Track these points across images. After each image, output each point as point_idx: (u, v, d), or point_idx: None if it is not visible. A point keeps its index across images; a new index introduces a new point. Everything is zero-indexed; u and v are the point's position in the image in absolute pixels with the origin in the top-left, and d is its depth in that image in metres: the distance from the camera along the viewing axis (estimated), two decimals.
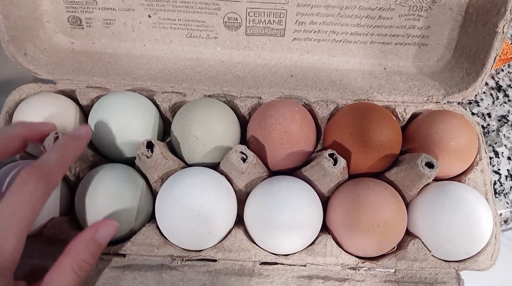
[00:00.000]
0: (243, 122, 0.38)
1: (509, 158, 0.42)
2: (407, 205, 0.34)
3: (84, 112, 0.38)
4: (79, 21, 0.41)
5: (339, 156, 0.31)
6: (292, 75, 0.41)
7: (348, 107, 0.37)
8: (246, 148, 0.32)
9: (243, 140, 0.37)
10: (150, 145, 0.31)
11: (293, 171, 0.36)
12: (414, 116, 0.38)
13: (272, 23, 0.41)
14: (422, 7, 0.39)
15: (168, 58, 0.42)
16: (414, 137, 0.36)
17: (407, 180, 0.33)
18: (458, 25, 0.40)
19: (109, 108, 0.34)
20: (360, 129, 0.34)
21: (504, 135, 0.43)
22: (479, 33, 0.38)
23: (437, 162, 0.30)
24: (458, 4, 0.39)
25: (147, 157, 0.31)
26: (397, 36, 0.41)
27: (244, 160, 0.32)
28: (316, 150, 0.38)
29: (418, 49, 0.42)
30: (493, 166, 0.42)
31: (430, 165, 0.31)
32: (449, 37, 0.41)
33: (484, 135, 0.44)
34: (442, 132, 0.34)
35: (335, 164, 0.31)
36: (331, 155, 0.31)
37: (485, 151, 0.36)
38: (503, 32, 0.36)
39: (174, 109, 0.38)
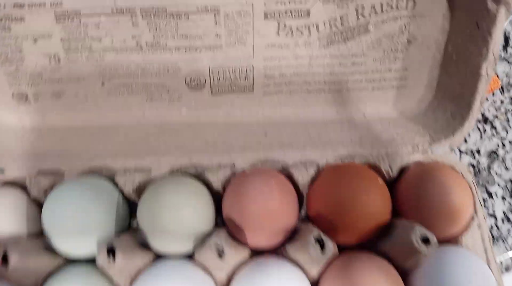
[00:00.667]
0: (218, 197, 0.34)
1: (503, 198, 0.40)
2: (404, 273, 0.31)
3: (37, 203, 0.34)
4: (25, 97, 0.37)
5: (327, 240, 0.28)
6: (266, 134, 0.38)
7: (329, 172, 0.34)
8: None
9: (218, 218, 0.34)
10: (111, 250, 0.28)
11: (276, 249, 0.33)
12: (401, 169, 0.36)
13: (239, 79, 0.38)
14: (398, 49, 0.37)
15: (128, 127, 0.38)
16: (404, 197, 0.34)
17: (401, 254, 0.30)
18: (438, 64, 0.38)
19: (65, 203, 0.31)
20: (345, 199, 0.31)
21: (496, 172, 0.41)
22: (461, 74, 0.35)
23: (433, 237, 0.28)
24: (436, 42, 0.37)
25: (110, 263, 0.28)
26: (374, 81, 0.39)
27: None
28: (300, 218, 0.35)
29: (397, 91, 0.39)
30: (487, 208, 0.40)
31: (426, 241, 0.28)
32: (429, 77, 0.38)
33: (475, 174, 0.41)
34: (433, 192, 0.32)
35: (322, 249, 0.28)
36: (317, 240, 0.28)
37: (480, 203, 0.34)
38: (487, 75, 0.33)
39: (139, 190, 0.34)
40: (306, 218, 0.35)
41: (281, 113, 0.40)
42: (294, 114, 0.40)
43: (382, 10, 0.35)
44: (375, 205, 0.31)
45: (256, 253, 0.33)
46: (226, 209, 0.32)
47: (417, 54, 0.37)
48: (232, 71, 0.37)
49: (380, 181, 0.33)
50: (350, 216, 0.31)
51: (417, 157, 0.36)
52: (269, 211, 0.31)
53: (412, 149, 0.37)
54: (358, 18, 0.35)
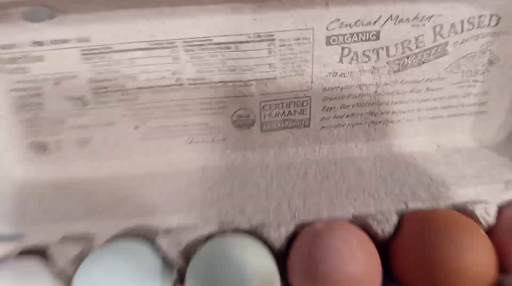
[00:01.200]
0: (279, 255, 0.29)
1: None
2: None
3: (63, 276, 0.29)
4: (44, 147, 0.32)
5: None
6: (327, 176, 0.33)
7: (417, 222, 0.28)
8: None
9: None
10: None
11: None
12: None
13: (293, 113, 0.32)
14: (478, 70, 0.32)
15: (165, 173, 0.33)
16: (502, 246, 0.28)
17: None
18: None
19: (99, 278, 0.25)
20: (445, 258, 0.26)
21: None
22: None
23: None
24: None
25: None
26: (450, 107, 0.33)
27: None
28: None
29: (476, 118, 0.34)
30: None
31: None
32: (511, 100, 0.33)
33: None
34: None
35: None
36: None
37: None
38: None
39: (186, 253, 0.29)
40: (388, 279, 0.29)
41: (341, 150, 0.34)
42: (356, 147, 0.34)
43: (462, 29, 0.30)
44: (483, 264, 0.26)
45: None
46: (294, 274, 0.27)
47: (499, 75, 0.32)
48: (287, 105, 0.32)
49: (482, 231, 0.27)
50: (453, 280, 0.25)
51: (510, 195, 0.31)
52: (351, 278, 0.25)
53: (504, 187, 0.31)
54: (435, 39, 0.30)
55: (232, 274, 0.25)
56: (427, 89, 0.32)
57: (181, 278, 0.28)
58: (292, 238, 0.30)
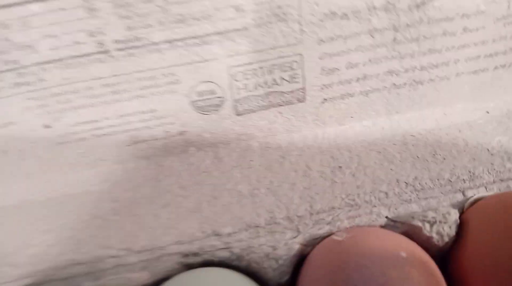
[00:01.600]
0: None
1: None
2: None
3: None
4: None
5: None
6: (339, 167, 0.23)
7: (483, 217, 0.18)
8: None
9: None
10: None
11: None
12: None
13: (279, 82, 0.22)
14: None
15: (99, 192, 0.23)
16: None
17: None
18: None
19: None
20: None
21: None
22: None
23: None
24: None
25: None
26: (496, 56, 0.24)
27: None
28: None
29: None
30: None
31: None
32: None
33: None
34: None
35: None
36: None
37: None
38: None
39: None
40: None
41: (354, 131, 0.24)
42: (377, 128, 0.24)
43: None
44: None
45: None
46: None
47: None
48: (269, 71, 0.22)
49: None
50: None
51: None
52: None
53: None
54: None
55: None
56: (464, 29, 0.23)
57: None
58: (297, 266, 0.19)
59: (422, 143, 0.23)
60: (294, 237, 0.19)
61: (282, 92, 0.23)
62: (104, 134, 0.22)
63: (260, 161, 0.23)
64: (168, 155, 0.23)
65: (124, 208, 0.22)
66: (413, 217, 0.19)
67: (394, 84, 0.24)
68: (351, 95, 0.24)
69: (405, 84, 0.24)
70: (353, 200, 0.21)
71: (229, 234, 0.20)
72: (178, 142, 0.23)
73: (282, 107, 0.23)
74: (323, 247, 0.18)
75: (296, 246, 0.19)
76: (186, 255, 0.20)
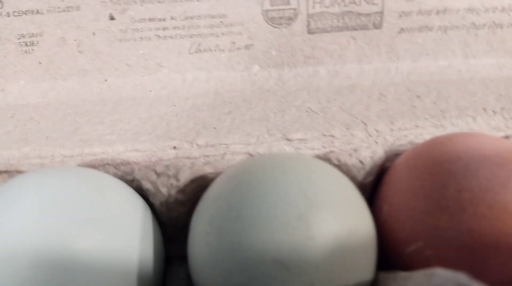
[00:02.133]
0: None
1: None
2: None
3: None
4: None
5: None
6: (418, 96, 0.21)
7: None
8: None
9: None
10: None
11: None
12: None
13: (356, 1, 0.21)
14: None
15: (156, 97, 0.21)
16: None
17: None
18: None
19: (27, 215, 0.12)
20: None
21: None
22: None
23: None
24: None
25: None
26: None
27: None
28: None
29: None
30: None
31: None
32: None
33: None
34: None
35: None
36: None
37: None
38: None
39: (186, 200, 0.16)
40: None
41: (429, 71, 0.23)
42: (453, 70, 0.23)
43: None
44: None
45: None
46: (402, 208, 0.14)
47: None
48: None
49: None
50: None
51: None
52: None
53: None
54: None
55: (285, 194, 0.12)
56: None
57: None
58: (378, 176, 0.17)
59: (503, 85, 0.22)
60: (372, 157, 0.18)
61: (359, 13, 0.22)
62: (168, 36, 0.21)
63: (329, 87, 0.22)
64: (230, 70, 0.22)
65: (184, 111, 0.20)
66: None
67: (474, 24, 0.23)
68: (430, 29, 0.22)
69: (484, 25, 0.23)
70: (438, 121, 0.19)
71: (300, 140, 0.18)
72: (243, 57, 0.22)
73: (356, 31, 0.22)
74: (413, 152, 0.16)
75: (380, 152, 0.17)
76: (252, 155, 0.18)
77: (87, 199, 0.13)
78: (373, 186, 0.17)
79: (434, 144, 0.15)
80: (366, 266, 0.13)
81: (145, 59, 0.21)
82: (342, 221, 0.12)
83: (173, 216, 0.16)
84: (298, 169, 0.13)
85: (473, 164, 0.13)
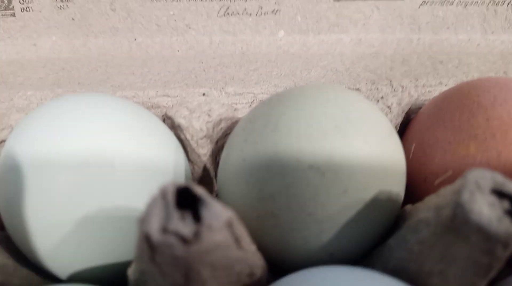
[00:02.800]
0: None
1: None
2: None
3: None
4: (6, 3, 0.21)
5: None
6: (441, 61, 0.22)
7: None
8: None
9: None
10: (191, 202, 0.09)
11: None
12: None
13: None
14: None
15: (184, 57, 0.22)
16: None
17: None
18: None
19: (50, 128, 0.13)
20: None
21: None
22: None
23: None
24: None
25: (185, 242, 0.09)
26: None
27: None
28: None
29: None
30: None
31: None
32: None
33: None
34: None
35: None
36: None
37: None
38: None
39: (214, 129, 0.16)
40: None
41: (449, 43, 0.24)
42: (472, 45, 0.24)
43: None
44: None
45: None
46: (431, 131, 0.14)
47: None
48: None
49: None
50: None
51: None
52: None
53: None
54: None
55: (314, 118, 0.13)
56: None
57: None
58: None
59: None
60: (399, 103, 0.18)
61: None
62: None
63: (352, 53, 0.23)
64: (256, 35, 0.23)
65: (211, 67, 0.21)
66: None
67: (494, 1, 0.24)
68: (450, 3, 0.23)
69: (503, 2, 0.24)
70: (462, 80, 0.20)
71: None
72: (269, 22, 0.23)
73: (380, 1, 0.23)
74: (441, 94, 0.17)
75: (404, 102, 0.18)
76: None
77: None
78: (400, 133, 0.17)
79: (461, 85, 0.16)
80: (397, 184, 0.13)
81: (175, 20, 0.22)
82: (376, 137, 0.13)
83: (201, 153, 0.17)
84: (336, 89, 0.14)
85: (501, 95, 0.14)
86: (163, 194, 0.09)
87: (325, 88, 0.14)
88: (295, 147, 0.12)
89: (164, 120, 0.17)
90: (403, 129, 0.18)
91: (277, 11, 0.23)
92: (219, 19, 0.22)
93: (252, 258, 0.11)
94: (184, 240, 0.09)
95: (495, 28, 0.24)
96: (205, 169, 0.17)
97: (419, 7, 0.23)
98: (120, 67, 0.21)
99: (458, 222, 0.10)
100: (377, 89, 0.19)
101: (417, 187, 0.15)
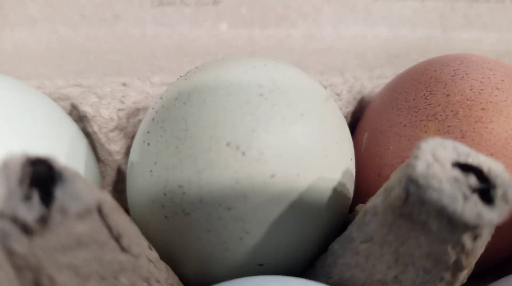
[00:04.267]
0: None
1: None
2: None
3: None
4: None
5: None
6: (397, 56, 0.20)
7: None
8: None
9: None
10: (45, 178, 0.06)
11: None
12: None
13: None
14: None
15: (111, 50, 0.19)
16: None
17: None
18: None
19: None
20: None
21: None
22: None
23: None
24: None
25: (28, 232, 0.06)
26: None
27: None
28: None
29: None
30: None
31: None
32: None
33: None
34: None
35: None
36: None
37: None
38: None
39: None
40: None
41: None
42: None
43: None
44: None
45: None
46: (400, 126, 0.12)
47: None
48: None
49: None
50: None
51: None
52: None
53: None
54: None
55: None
56: None
57: None
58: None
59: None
60: (349, 91, 0.16)
61: None
62: None
63: (302, 50, 0.21)
64: (195, 27, 0.20)
65: (140, 58, 0.18)
66: None
67: None
68: None
69: None
70: None
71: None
72: (210, 13, 0.20)
73: None
74: (395, 77, 0.15)
75: (354, 90, 0.15)
76: None
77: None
78: (352, 126, 0.15)
79: (417, 64, 0.14)
80: (341, 169, 0.11)
81: (102, 10, 0.20)
82: (314, 109, 0.10)
83: (113, 150, 0.14)
84: (266, 58, 0.11)
85: (462, 68, 0.12)
86: (5, 165, 0.07)
87: (253, 57, 0.11)
88: (210, 122, 0.10)
89: (71, 113, 0.14)
90: (356, 122, 0.15)
91: (218, 2, 0.20)
92: (152, 10, 0.20)
93: (148, 268, 0.09)
94: (26, 229, 0.06)
95: (455, 26, 0.23)
96: (119, 171, 0.14)
97: (374, 1, 0.22)
98: (35, 59, 0.18)
99: (412, 204, 0.08)
100: (327, 79, 0.17)
101: (370, 183, 0.13)
